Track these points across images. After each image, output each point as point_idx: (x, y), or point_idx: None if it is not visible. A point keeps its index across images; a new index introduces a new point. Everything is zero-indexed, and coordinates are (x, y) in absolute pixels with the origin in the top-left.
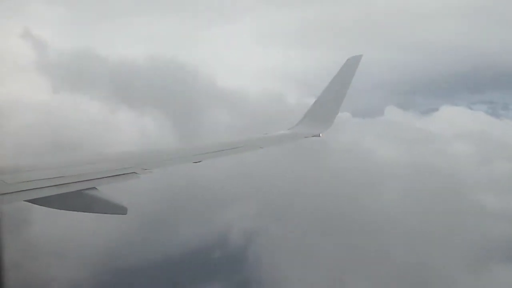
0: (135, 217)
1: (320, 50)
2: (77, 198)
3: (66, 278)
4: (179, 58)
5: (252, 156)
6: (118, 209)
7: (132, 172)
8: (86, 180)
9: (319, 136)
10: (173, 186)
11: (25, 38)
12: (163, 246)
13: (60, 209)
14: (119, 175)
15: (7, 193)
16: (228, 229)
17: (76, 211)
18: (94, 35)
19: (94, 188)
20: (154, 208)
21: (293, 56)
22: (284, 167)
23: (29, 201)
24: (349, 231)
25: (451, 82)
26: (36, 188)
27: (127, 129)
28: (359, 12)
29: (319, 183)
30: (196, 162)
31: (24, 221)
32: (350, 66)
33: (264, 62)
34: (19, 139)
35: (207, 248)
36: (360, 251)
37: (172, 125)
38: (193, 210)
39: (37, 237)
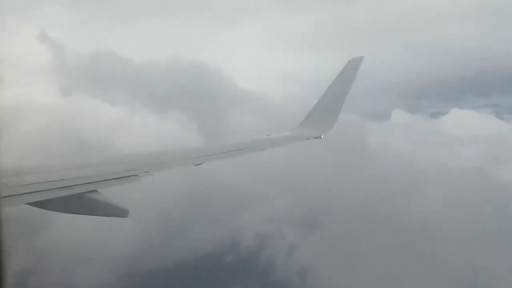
0: (148, 221)
1: (329, 53)
2: (78, 201)
3: (78, 283)
4: (201, 59)
5: (261, 156)
6: (119, 212)
7: (134, 175)
8: (87, 183)
9: (321, 137)
10: (184, 188)
11: (42, 40)
12: (175, 250)
13: (62, 212)
14: (121, 177)
15: (8, 196)
16: (241, 233)
17: (77, 214)
18: (108, 37)
19: (95, 190)
20: (163, 212)
21: (305, 58)
22: (296, 168)
23: (30, 204)
24: (378, 232)
25: (456, 86)
26: (38, 191)
27: (149, 130)
28: (368, 15)
29: (337, 184)
30: (197, 165)
31: (34, 225)
32: (352, 67)
33: (278, 65)
34: (40, 141)
35: (220, 252)
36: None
37: (196, 125)
38: (206, 214)
39: (47, 240)
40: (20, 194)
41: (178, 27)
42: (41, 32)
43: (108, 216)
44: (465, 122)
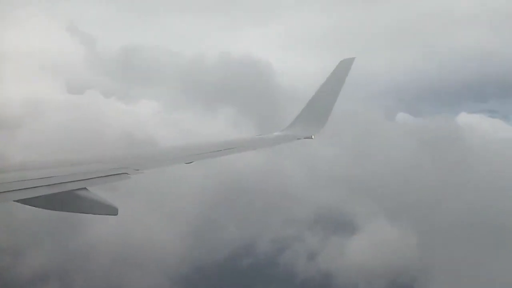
0: (161, 225)
1: (338, 54)
2: (67, 199)
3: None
4: (252, 55)
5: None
6: (109, 210)
7: (124, 173)
8: (76, 181)
9: (312, 137)
10: (197, 189)
11: (72, 33)
12: (191, 255)
13: (50, 209)
14: (110, 175)
15: None
16: (257, 236)
17: (66, 211)
18: (137, 32)
19: (84, 188)
20: (177, 215)
21: (324, 58)
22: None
23: (18, 201)
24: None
25: (454, 90)
26: (26, 188)
27: (198, 126)
28: (368, 18)
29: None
30: (188, 163)
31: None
32: (343, 68)
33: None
34: (82, 135)
35: (237, 256)
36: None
37: (248, 121)
38: (221, 216)
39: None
40: (8, 191)
41: (204, 25)
42: (70, 26)
43: (97, 214)
44: (478, 125)
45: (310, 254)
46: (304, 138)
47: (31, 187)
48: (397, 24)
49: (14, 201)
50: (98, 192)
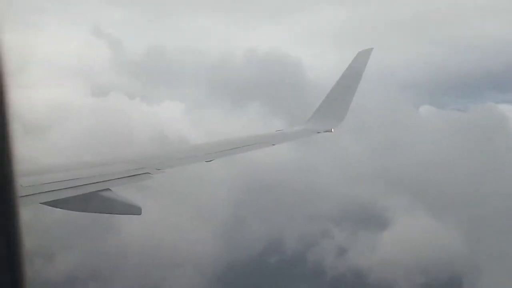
0: (189, 223)
1: (356, 48)
2: (92, 200)
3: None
4: (277, 51)
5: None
6: (133, 210)
7: (146, 173)
8: (100, 182)
9: (331, 131)
10: (224, 187)
11: (97, 36)
12: (219, 253)
13: (76, 210)
14: (133, 175)
15: (23, 196)
16: (285, 232)
17: (91, 212)
18: (159, 33)
19: (108, 189)
20: (203, 214)
21: (343, 53)
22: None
23: (45, 203)
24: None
25: (476, 81)
26: (52, 191)
27: (228, 124)
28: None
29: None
30: (208, 161)
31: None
32: (361, 59)
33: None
34: (113, 135)
35: (265, 253)
36: None
37: (278, 117)
38: (248, 213)
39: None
40: (35, 194)
41: (219, 23)
42: (95, 30)
43: (121, 214)
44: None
45: (340, 251)
46: (324, 131)
47: (56, 190)
48: (414, 16)
49: (40, 203)
50: (122, 192)
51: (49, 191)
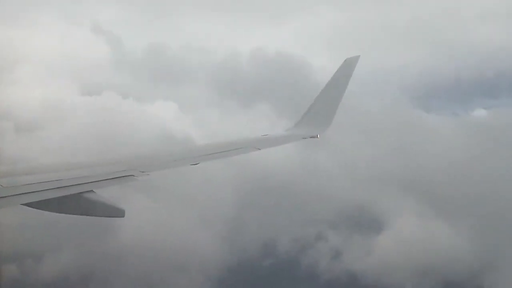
0: (182, 224)
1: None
2: (75, 202)
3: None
4: (287, 51)
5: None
6: (116, 212)
7: (130, 175)
8: (83, 183)
9: (317, 137)
10: (219, 188)
11: (97, 33)
12: (212, 256)
13: (58, 212)
14: (117, 178)
15: (4, 197)
16: (278, 235)
17: (74, 214)
18: (160, 32)
19: (91, 191)
20: (197, 215)
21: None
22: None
23: (26, 204)
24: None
25: (464, 86)
26: (34, 192)
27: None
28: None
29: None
30: (193, 164)
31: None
32: (348, 67)
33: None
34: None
35: (257, 256)
36: None
37: (286, 119)
38: (243, 215)
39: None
40: (16, 195)
41: (220, 24)
42: (94, 26)
43: (104, 217)
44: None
45: (335, 254)
46: (310, 137)
47: (38, 191)
48: (413, 20)
49: (21, 204)
50: (106, 193)
51: (30, 192)
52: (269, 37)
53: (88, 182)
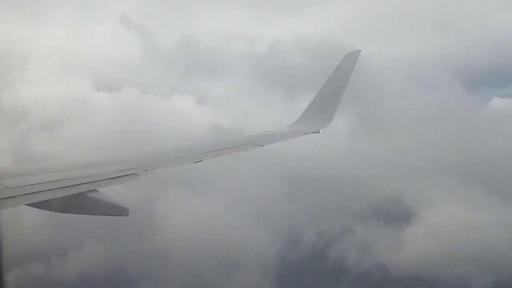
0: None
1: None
2: (78, 201)
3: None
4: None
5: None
6: (120, 211)
7: (133, 174)
8: (86, 183)
9: (319, 132)
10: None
11: (126, 25)
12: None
13: (62, 212)
14: (120, 176)
15: (8, 197)
16: (303, 230)
17: (77, 214)
18: (191, 24)
19: (95, 190)
20: (221, 212)
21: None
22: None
23: (30, 205)
24: None
25: (476, 76)
26: (37, 192)
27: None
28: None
29: None
30: (197, 162)
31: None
32: (349, 61)
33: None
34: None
35: (284, 251)
36: None
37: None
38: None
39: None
40: (20, 195)
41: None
42: (122, 18)
43: (108, 216)
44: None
45: (365, 246)
46: (312, 133)
47: (42, 191)
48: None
49: (25, 204)
50: (109, 192)
51: (34, 192)
52: (291, 28)
53: (91, 182)
